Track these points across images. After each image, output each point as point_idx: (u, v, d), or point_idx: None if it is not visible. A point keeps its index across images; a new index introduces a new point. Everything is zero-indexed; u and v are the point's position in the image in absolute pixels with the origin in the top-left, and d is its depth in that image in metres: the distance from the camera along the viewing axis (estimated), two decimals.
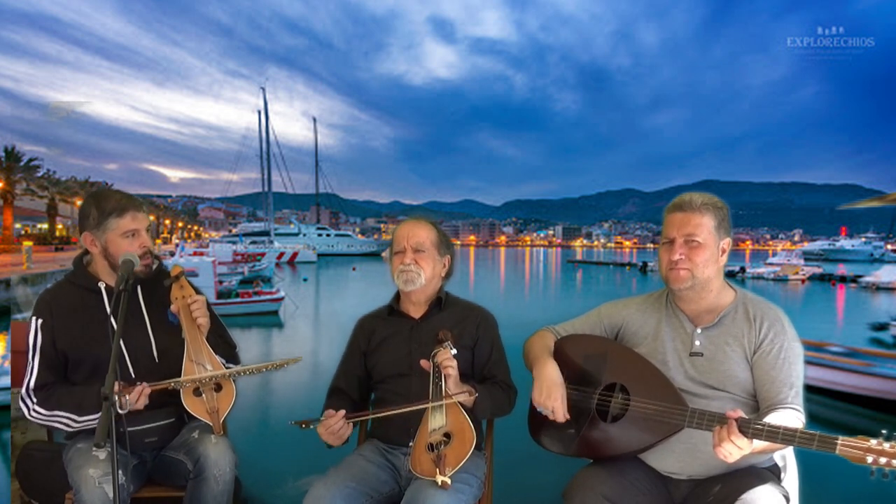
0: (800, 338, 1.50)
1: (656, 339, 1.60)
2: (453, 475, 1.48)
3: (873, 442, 1.13)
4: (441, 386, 1.59)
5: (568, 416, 1.55)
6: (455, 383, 1.60)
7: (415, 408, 1.60)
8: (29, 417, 1.63)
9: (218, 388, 1.70)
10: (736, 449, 1.23)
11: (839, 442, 1.15)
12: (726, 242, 1.52)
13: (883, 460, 1.12)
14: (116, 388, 1.39)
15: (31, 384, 1.63)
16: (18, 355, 1.88)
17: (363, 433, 1.91)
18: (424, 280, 1.76)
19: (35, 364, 1.64)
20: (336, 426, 1.58)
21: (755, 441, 1.24)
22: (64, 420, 1.61)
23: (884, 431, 1.14)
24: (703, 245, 1.47)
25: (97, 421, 1.60)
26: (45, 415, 1.62)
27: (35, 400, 1.62)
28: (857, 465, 1.14)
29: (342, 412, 1.60)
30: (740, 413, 1.27)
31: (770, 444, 1.26)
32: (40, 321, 1.66)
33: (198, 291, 1.79)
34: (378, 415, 1.69)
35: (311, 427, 1.58)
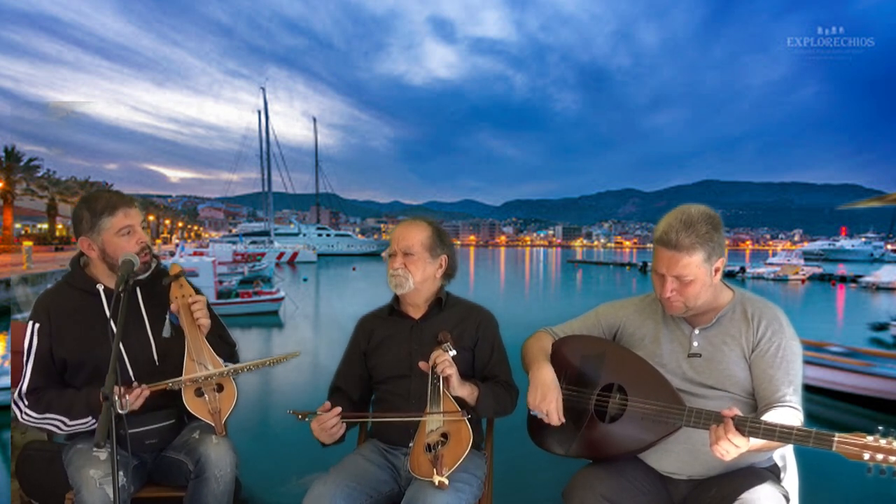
0: (799, 338, 1.49)
1: (654, 341, 1.60)
2: (451, 475, 1.48)
3: (870, 438, 1.13)
4: (439, 388, 1.59)
5: (563, 420, 1.55)
6: (458, 383, 1.59)
7: (414, 418, 1.60)
8: (22, 420, 1.64)
9: (220, 388, 1.69)
10: (733, 447, 1.23)
11: (836, 439, 1.15)
12: (720, 262, 1.47)
13: (880, 457, 1.11)
14: (116, 390, 1.39)
15: (24, 388, 1.64)
16: (18, 355, 1.87)
17: (363, 433, 1.91)
18: (414, 284, 1.75)
19: (28, 369, 1.64)
20: (329, 423, 1.57)
21: (752, 439, 1.23)
22: (55, 422, 1.62)
23: (880, 428, 1.14)
24: (694, 280, 1.45)
25: (87, 424, 1.61)
26: (36, 418, 1.62)
27: (26, 403, 1.63)
28: (856, 464, 1.14)
29: (338, 409, 1.59)
30: (736, 411, 1.26)
31: (767, 443, 1.26)
32: (37, 326, 1.66)
33: (198, 291, 1.79)
34: (375, 419, 1.70)
35: (307, 419, 1.58)
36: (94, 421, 1.61)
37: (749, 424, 1.23)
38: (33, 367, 1.65)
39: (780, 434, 1.21)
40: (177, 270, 1.78)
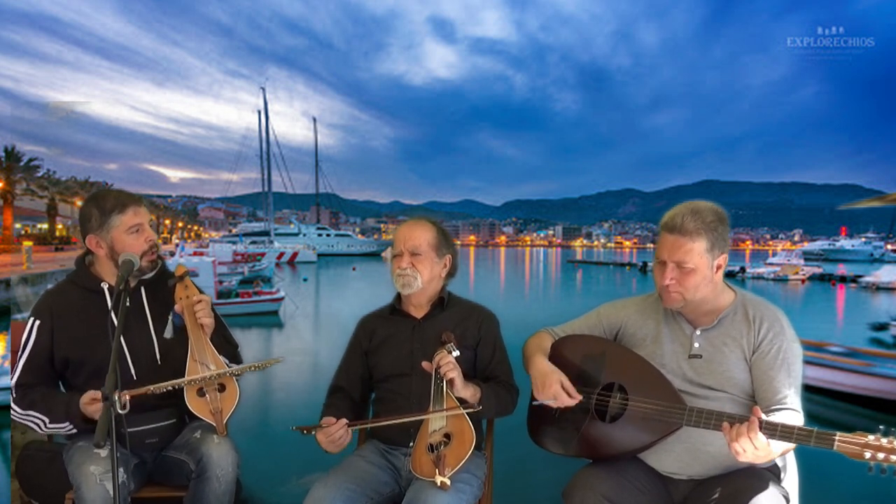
0: (800, 338, 1.49)
1: (655, 341, 1.60)
2: (453, 476, 1.48)
3: (871, 437, 1.14)
4: (442, 388, 1.59)
5: (578, 396, 1.53)
6: (461, 384, 1.59)
7: (417, 417, 1.60)
8: (11, 414, 1.65)
9: (221, 388, 1.70)
10: (751, 447, 1.22)
11: (837, 438, 1.16)
12: (722, 258, 1.48)
13: (881, 456, 1.12)
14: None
15: (14, 381, 1.65)
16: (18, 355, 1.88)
17: (363, 434, 1.91)
18: (422, 283, 1.75)
19: (21, 363, 1.65)
20: (337, 434, 1.57)
21: (773, 444, 1.23)
22: (36, 421, 1.62)
23: (881, 427, 1.15)
24: (695, 270, 1.44)
25: (65, 428, 1.60)
26: (19, 413, 1.63)
27: (14, 396, 1.64)
28: (856, 464, 1.14)
29: (343, 421, 1.58)
30: (761, 414, 1.25)
31: (787, 447, 1.26)
32: (38, 322, 1.66)
33: (200, 292, 1.79)
34: (379, 423, 1.69)
35: (313, 433, 1.57)
36: (71, 426, 1.61)
37: (773, 426, 1.23)
38: (26, 363, 1.65)
39: (782, 433, 1.22)
40: (182, 271, 1.78)
